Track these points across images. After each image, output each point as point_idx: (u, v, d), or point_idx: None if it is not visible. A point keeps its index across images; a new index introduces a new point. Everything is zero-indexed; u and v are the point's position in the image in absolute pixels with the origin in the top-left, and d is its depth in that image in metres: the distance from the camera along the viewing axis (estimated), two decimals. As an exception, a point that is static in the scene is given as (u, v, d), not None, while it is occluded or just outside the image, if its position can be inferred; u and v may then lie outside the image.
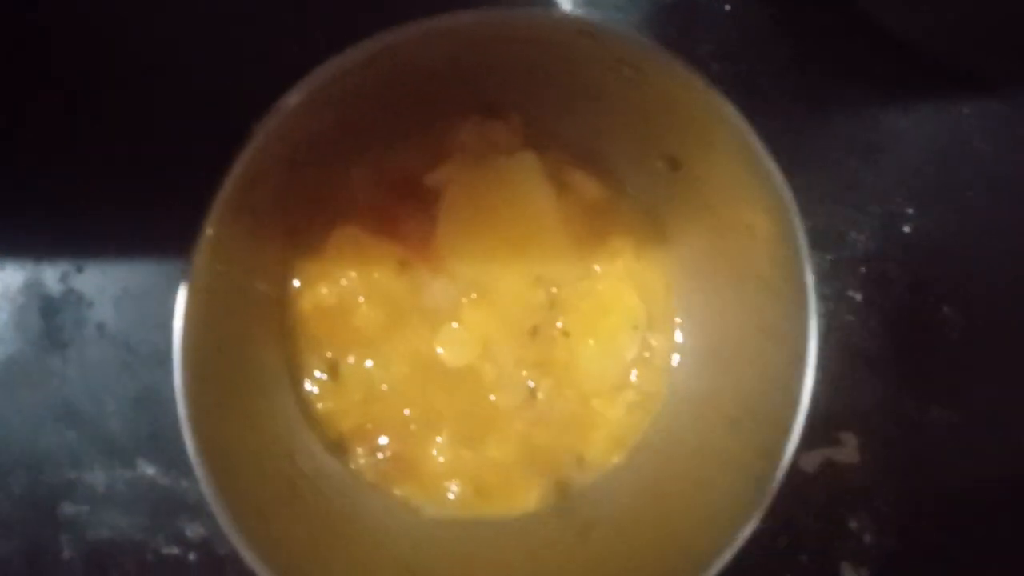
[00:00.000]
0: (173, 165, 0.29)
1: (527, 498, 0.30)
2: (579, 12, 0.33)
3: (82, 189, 0.30)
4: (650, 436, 0.31)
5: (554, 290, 0.30)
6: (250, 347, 0.28)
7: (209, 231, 0.24)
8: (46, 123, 0.30)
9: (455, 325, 0.30)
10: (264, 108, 0.23)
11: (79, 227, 0.30)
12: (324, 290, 0.29)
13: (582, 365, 0.30)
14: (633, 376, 0.31)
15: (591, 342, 0.30)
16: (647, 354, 0.31)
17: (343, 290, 0.28)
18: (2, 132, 0.29)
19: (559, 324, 0.30)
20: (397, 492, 0.30)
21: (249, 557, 0.24)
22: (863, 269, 0.37)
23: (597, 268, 0.30)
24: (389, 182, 0.29)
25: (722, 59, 0.35)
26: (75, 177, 0.30)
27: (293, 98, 0.22)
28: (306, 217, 0.28)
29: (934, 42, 0.36)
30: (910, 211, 0.37)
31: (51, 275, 0.29)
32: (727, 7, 0.35)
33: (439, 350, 0.29)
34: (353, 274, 0.28)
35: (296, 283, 0.29)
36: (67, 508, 0.30)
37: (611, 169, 0.31)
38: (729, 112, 0.26)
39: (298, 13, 0.31)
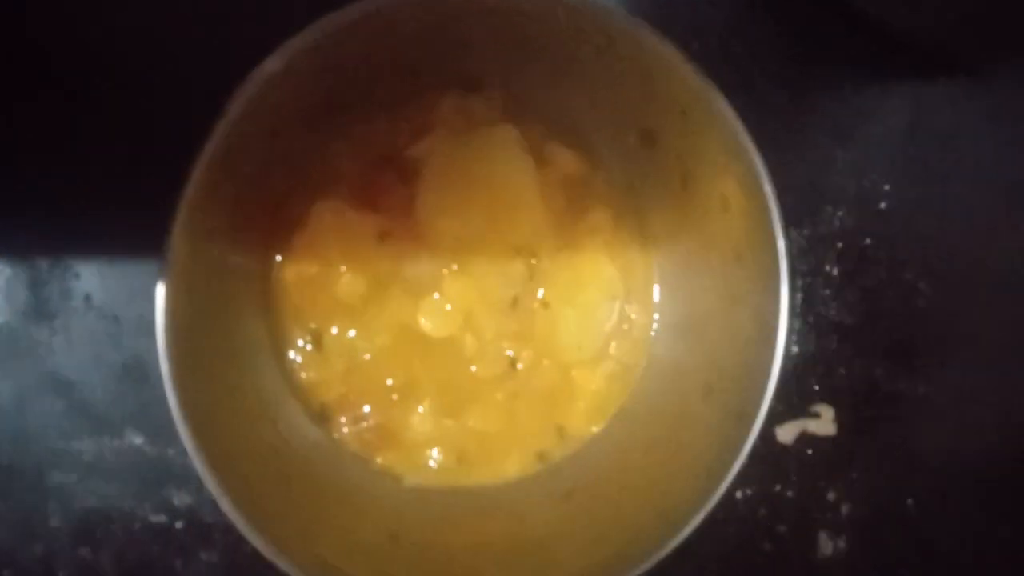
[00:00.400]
0: (158, 143, 0.29)
1: (508, 466, 0.31)
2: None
3: (73, 174, 0.30)
4: (628, 405, 0.32)
5: (533, 261, 0.31)
6: (234, 318, 0.28)
7: (188, 198, 0.24)
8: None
9: (436, 296, 0.30)
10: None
11: (67, 207, 0.31)
12: (306, 261, 0.29)
13: (561, 336, 0.31)
14: (612, 347, 0.32)
15: (570, 313, 0.31)
16: (626, 326, 0.32)
17: (325, 261, 0.29)
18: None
19: (539, 295, 0.31)
20: (379, 461, 0.30)
21: (236, 521, 0.25)
22: (839, 244, 0.37)
23: (575, 240, 0.31)
24: (370, 155, 0.29)
25: (700, 37, 0.35)
26: (67, 163, 0.30)
27: (270, 65, 0.23)
28: (287, 190, 0.29)
29: (909, 24, 0.37)
30: (886, 188, 0.38)
31: (39, 246, 0.30)
32: None
33: (421, 321, 0.30)
34: (335, 246, 0.29)
35: (278, 256, 0.30)
36: (55, 477, 0.30)
37: (590, 143, 0.31)
38: (705, 87, 0.27)
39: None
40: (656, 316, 0.32)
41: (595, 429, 0.32)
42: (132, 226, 0.30)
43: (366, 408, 0.30)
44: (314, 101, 0.27)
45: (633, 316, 0.32)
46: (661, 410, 0.31)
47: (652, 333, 0.32)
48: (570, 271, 0.31)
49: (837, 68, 0.38)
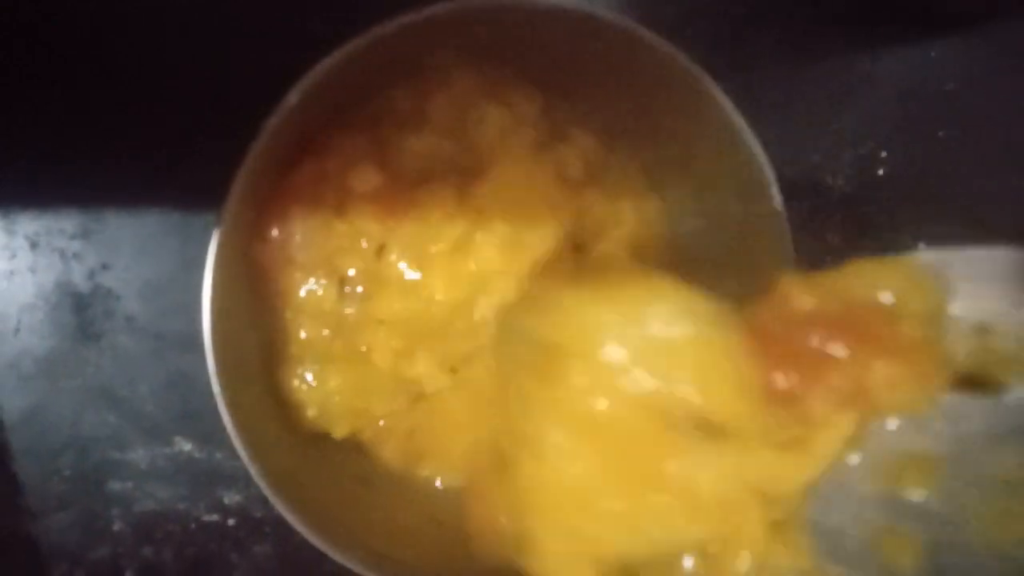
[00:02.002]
0: (196, 159, 0.31)
1: None
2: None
3: (108, 185, 0.32)
4: None
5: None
6: (268, 324, 0.30)
7: (224, 230, 0.26)
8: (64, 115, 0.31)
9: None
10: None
11: (105, 219, 0.32)
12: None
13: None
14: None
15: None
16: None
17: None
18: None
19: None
20: (421, 473, 0.31)
21: (288, 516, 0.27)
22: (840, 215, 0.39)
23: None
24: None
25: (694, 18, 0.36)
26: (103, 174, 0.32)
27: (293, 98, 0.24)
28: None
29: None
30: (884, 154, 0.39)
31: (79, 274, 0.32)
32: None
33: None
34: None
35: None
36: (114, 484, 0.32)
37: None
38: (697, 73, 0.28)
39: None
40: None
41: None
42: (169, 249, 0.32)
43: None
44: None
45: None
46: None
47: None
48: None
49: (830, 36, 0.38)
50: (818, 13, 0.37)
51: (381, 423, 0.30)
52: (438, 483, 0.31)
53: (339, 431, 0.29)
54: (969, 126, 0.39)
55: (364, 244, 0.28)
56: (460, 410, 0.30)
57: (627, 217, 0.31)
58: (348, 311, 0.29)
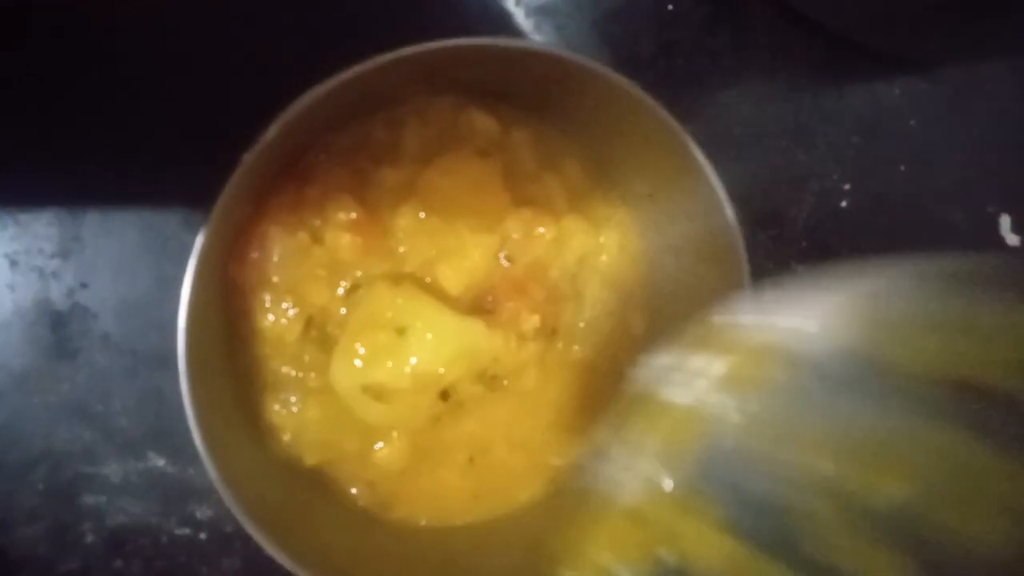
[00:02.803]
0: (165, 182, 0.32)
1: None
2: (531, 28, 0.36)
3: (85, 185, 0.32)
4: None
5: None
6: (246, 349, 0.31)
7: (205, 241, 0.27)
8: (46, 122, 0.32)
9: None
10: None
11: (83, 238, 0.33)
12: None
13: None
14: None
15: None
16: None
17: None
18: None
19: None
20: (393, 516, 0.31)
21: (255, 534, 0.27)
22: (804, 243, 0.40)
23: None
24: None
25: (665, 57, 0.37)
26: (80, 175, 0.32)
27: (272, 132, 0.25)
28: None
29: (863, 29, 0.39)
30: (846, 187, 0.40)
31: (57, 292, 0.32)
32: (669, 7, 0.38)
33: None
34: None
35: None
36: (87, 498, 0.33)
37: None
38: (658, 111, 0.29)
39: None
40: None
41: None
42: (146, 268, 0.33)
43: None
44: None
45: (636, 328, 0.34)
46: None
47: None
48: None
49: (796, 76, 0.40)
50: (786, 55, 0.39)
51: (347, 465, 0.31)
52: (422, 522, 0.32)
53: (310, 459, 0.30)
54: (926, 160, 0.40)
55: (340, 286, 0.29)
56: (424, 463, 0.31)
57: (609, 246, 0.32)
58: (306, 357, 0.29)
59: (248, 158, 0.26)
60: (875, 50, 0.40)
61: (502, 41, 0.27)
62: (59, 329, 0.32)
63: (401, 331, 0.28)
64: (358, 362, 0.28)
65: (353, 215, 0.29)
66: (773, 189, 0.40)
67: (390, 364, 0.28)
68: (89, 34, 0.32)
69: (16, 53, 0.32)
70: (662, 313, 0.34)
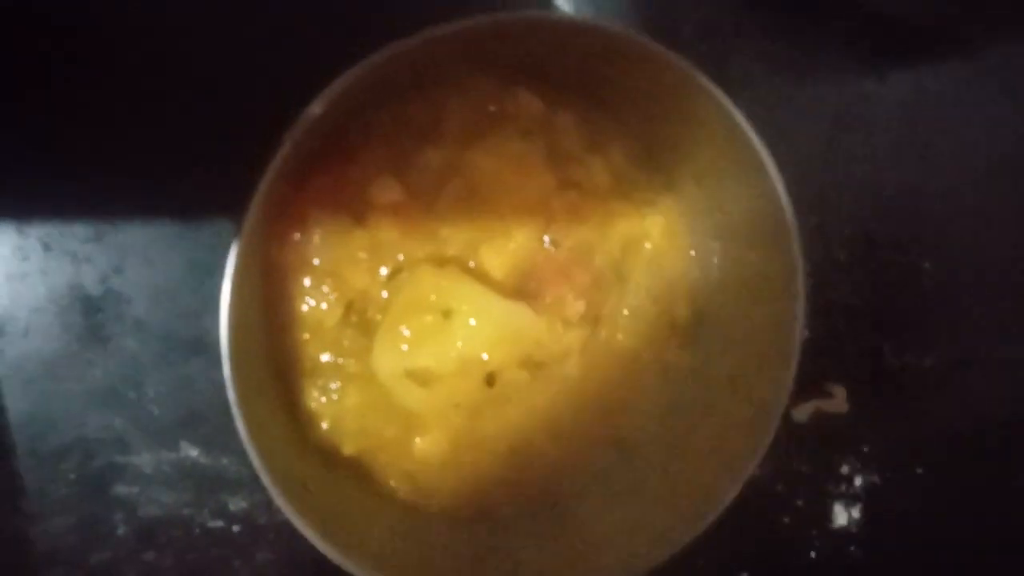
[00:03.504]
0: (200, 165, 0.31)
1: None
2: (569, 8, 0.35)
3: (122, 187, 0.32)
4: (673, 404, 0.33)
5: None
6: (285, 335, 0.30)
7: (244, 237, 0.26)
8: (84, 119, 0.31)
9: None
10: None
11: (117, 223, 0.32)
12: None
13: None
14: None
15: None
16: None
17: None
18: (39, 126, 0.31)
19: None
20: (431, 506, 0.31)
21: (294, 520, 0.26)
22: (847, 230, 0.39)
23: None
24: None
25: (706, 38, 0.37)
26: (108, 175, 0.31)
27: (315, 110, 0.24)
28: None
29: (905, 10, 0.38)
30: (890, 172, 0.39)
31: (91, 277, 0.31)
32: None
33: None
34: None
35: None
36: (119, 489, 0.32)
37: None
38: (711, 91, 0.28)
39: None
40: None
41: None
42: (180, 253, 0.32)
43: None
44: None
45: (680, 315, 0.33)
46: (691, 405, 0.32)
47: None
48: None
49: (838, 57, 0.39)
50: (828, 35, 0.38)
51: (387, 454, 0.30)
52: (463, 513, 0.31)
53: (349, 448, 0.29)
54: (973, 145, 0.39)
55: (381, 269, 0.28)
56: (466, 453, 0.30)
57: (654, 232, 0.32)
58: (346, 343, 0.29)
59: (291, 137, 0.25)
60: (918, 30, 0.39)
61: (551, 15, 0.27)
62: (92, 315, 0.31)
63: (446, 314, 0.27)
64: (402, 346, 0.27)
65: (395, 196, 0.28)
66: (814, 174, 0.39)
67: (435, 347, 0.27)
68: (126, 21, 0.31)
69: (48, 49, 0.31)
70: (709, 302, 0.33)
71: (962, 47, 0.40)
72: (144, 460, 0.32)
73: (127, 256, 0.31)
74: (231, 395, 0.26)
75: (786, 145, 0.38)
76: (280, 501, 0.26)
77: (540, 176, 0.30)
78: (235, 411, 0.26)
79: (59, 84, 0.31)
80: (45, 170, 0.31)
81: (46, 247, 0.31)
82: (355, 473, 0.30)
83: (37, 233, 0.31)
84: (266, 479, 0.26)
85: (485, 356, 0.28)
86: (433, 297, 0.27)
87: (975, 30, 0.40)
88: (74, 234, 0.31)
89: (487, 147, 0.29)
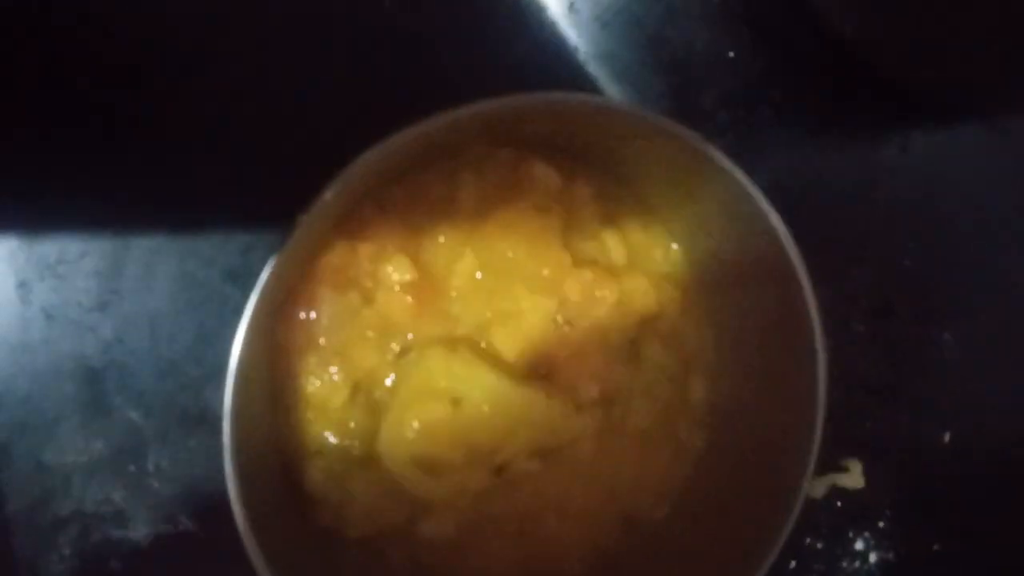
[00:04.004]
0: (207, 235, 0.30)
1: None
2: (585, 80, 0.34)
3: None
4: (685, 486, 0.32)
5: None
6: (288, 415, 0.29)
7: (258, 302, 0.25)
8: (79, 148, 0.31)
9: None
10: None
11: (122, 291, 0.31)
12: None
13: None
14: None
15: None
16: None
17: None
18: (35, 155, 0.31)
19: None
20: None
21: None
22: (864, 302, 0.38)
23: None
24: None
25: (725, 107, 0.36)
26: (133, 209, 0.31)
27: (330, 193, 0.24)
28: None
29: (924, 82, 0.38)
30: (910, 245, 0.38)
31: (94, 347, 0.31)
32: (730, 54, 0.36)
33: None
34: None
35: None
36: (115, 564, 0.31)
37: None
38: (728, 168, 0.27)
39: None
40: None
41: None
42: (185, 325, 0.31)
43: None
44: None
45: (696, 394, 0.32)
46: (705, 486, 0.31)
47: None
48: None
49: (857, 126, 0.38)
50: (848, 105, 0.37)
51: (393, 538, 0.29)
52: None
53: (353, 532, 0.28)
54: (989, 218, 0.39)
55: (390, 350, 0.28)
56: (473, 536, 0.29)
57: (670, 309, 0.31)
58: (352, 424, 0.28)
59: (304, 219, 0.24)
60: (938, 101, 0.39)
61: (568, 96, 0.26)
62: (94, 385, 0.31)
63: (456, 402, 0.27)
64: (410, 434, 0.26)
65: (408, 276, 0.28)
66: (832, 245, 0.38)
67: (444, 438, 0.26)
68: (138, 78, 0.31)
69: (60, 92, 0.31)
70: (723, 378, 0.32)
71: (986, 117, 0.39)
72: (142, 534, 0.31)
73: (132, 326, 0.31)
74: (228, 474, 0.25)
75: (802, 216, 0.38)
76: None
77: (555, 254, 0.29)
78: (232, 491, 0.25)
79: (63, 150, 0.30)
80: (49, 237, 0.30)
81: (49, 317, 0.31)
82: (359, 558, 0.29)
83: (41, 303, 0.31)
84: (260, 564, 0.25)
85: (495, 446, 0.27)
86: (443, 383, 0.27)
87: (999, 100, 0.39)
88: (79, 303, 0.31)
89: (502, 222, 0.29)
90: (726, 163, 0.28)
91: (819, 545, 0.38)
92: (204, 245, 0.30)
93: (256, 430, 0.27)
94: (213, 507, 0.31)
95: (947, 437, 0.39)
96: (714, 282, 0.32)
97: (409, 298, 0.27)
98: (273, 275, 0.25)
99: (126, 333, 0.31)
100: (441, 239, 0.28)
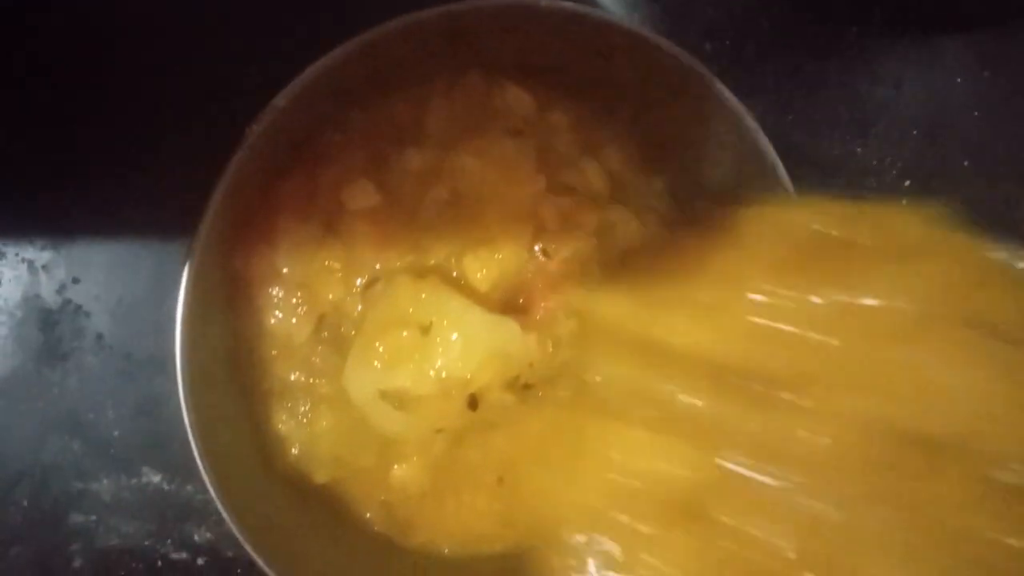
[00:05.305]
0: (173, 172, 0.29)
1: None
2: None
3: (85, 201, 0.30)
4: None
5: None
6: (250, 353, 0.28)
7: (202, 237, 0.24)
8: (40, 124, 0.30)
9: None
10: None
11: (76, 230, 0.30)
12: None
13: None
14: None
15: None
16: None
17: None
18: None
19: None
20: (412, 542, 0.28)
21: (260, 561, 0.24)
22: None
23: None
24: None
25: (712, 39, 0.34)
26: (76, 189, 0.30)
27: (280, 102, 0.22)
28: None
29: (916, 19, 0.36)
30: (906, 184, 0.37)
31: (48, 287, 0.29)
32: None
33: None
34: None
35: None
36: (75, 517, 0.30)
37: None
38: (723, 93, 0.26)
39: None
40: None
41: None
42: (144, 264, 0.30)
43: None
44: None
45: None
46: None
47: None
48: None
49: (848, 63, 0.37)
50: (838, 35, 0.36)
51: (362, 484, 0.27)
52: (446, 550, 0.28)
53: (320, 476, 0.27)
54: (987, 153, 0.37)
55: (356, 281, 0.26)
56: (448, 483, 0.27)
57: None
58: (317, 360, 0.26)
59: (254, 131, 0.23)
60: (936, 31, 0.37)
61: (541, 2, 0.24)
62: (49, 329, 0.29)
63: (425, 329, 0.25)
64: (376, 364, 0.25)
65: (372, 202, 0.26)
66: (828, 186, 0.36)
67: (412, 366, 0.25)
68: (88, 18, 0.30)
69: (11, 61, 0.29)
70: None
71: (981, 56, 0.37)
72: (103, 486, 0.30)
73: (87, 265, 0.29)
74: (186, 419, 0.23)
75: (798, 152, 0.36)
76: (243, 539, 0.24)
77: (530, 180, 0.27)
78: (191, 437, 0.24)
79: (17, 93, 0.29)
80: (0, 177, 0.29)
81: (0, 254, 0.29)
82: (327, 504, 0.28)
83: (-13, 242, 0.29)
84: (227, 513, 0.24)
85: (469, 375, 0.25)
86: (411, 310, 0.25)
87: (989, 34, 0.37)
88: (31, 241, 0.29)
89: (473, 148, 0.27)
90: (712, 80, 0.26)
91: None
92: (157, 181, 0.29)
93: (214, 372, 0.26)
94: (180, 457, 0.30)
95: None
96: (700, 217, 0.30)
97: (374, 226, 0.26)
98: (222, 197, 0.24)
99: (81, 273, 0.29)
100: (408, 165, 0.27)
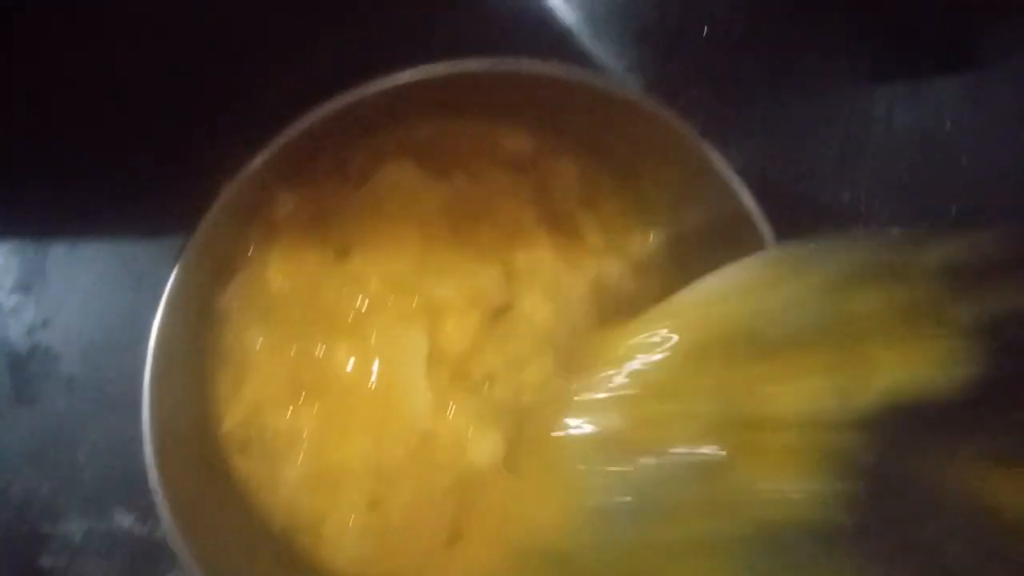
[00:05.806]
0: (138, 212, 0.29)
1: None
2: (557, 48, 0.33)
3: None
4: None
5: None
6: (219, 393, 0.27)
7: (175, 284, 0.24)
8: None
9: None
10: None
11: (47, 271, 0.30)
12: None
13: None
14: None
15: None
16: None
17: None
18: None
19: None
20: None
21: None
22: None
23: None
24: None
25: (700, 84, 0.34)
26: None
27: (256, 163, 0.22)
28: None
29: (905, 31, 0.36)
30: (876, 204, 0.36)
31: (16, 330, 0.29)
32: (705, 30, 0.34)
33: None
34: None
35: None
36: (45, 560, 0.29)
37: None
38: (710, 155, 0.26)
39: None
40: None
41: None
42: (116, 305, 0.29)
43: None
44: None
45: None
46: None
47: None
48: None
49: (832, 103, 0.36)
50: (824, 81, 0.36)
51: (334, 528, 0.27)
52: None
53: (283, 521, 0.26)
54: (972, 180, 0.37)
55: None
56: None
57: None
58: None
59: (228, 190, 0.23)
60: (923, 67, 0.37)
61: (526, 65, 0.24)
62: (18, 371, 0.29)
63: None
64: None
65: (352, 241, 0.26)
66: (801, 205, 0.36)
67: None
68: (66, 51, 0.29)
69: None
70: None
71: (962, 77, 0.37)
72: (73, 528, 0.29)
73: (58, 307, 0.29)
74: (150, 464, 0.23)
75: (783, 198, 0.36)
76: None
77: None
78: (155, 483, 0.23)
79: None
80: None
81: (-34, 299, 0.29)
82: (294, 550, 0.27)
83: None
84: (191, 562, 0.24)
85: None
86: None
87: (976, 56, 0.37)
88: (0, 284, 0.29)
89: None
90: (698, 142, 0.26)
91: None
92: (134, 222, 0.28)
93: (183, 415, 0.26)
94: (151, 500, 0.29)
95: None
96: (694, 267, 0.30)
97: (358, 266, 0.26)
98: (198, 245, 0.23)
99: (51, 315, 0.29)
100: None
